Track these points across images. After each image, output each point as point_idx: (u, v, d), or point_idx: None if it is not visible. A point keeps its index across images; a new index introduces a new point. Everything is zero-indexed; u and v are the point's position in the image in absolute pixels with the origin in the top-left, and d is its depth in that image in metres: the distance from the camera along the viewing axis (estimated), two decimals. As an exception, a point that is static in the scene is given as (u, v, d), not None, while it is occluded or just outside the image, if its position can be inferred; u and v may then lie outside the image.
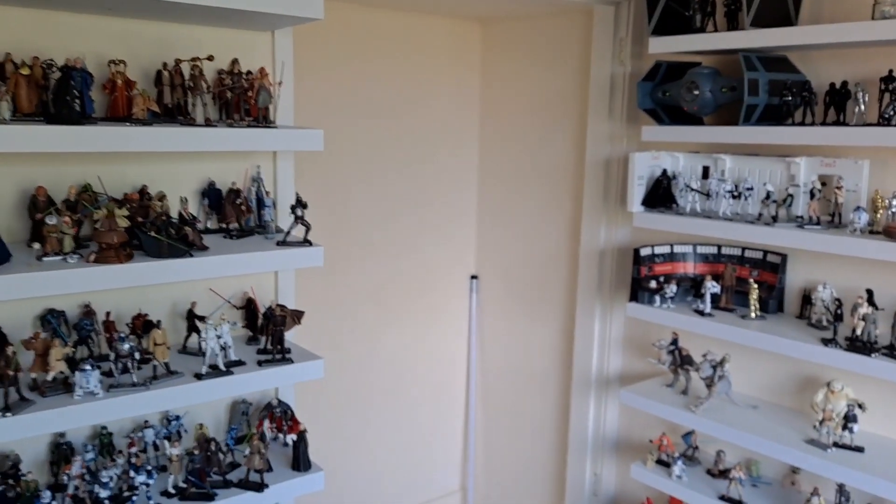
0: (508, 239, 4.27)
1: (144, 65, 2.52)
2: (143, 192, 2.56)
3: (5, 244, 2.17)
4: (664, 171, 3.17)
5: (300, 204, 2.60)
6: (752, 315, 2.90)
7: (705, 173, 3.10)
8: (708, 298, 2.99)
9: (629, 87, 3.39)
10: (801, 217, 2.77)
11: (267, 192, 2.78)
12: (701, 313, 2.99)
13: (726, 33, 2.79)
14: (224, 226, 2.73)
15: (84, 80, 2.26)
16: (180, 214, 2.56)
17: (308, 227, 2.60)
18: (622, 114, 3.44)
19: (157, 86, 2.51)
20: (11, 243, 2.24)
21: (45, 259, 2.19)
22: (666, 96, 3.05)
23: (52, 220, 2.23)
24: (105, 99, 2.40)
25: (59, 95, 2.18)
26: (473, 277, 4.47)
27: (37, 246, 2.24)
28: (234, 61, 2.56)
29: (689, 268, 3.21)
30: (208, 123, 2.45)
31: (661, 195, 3.15)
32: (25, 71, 2.22)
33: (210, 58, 2.46)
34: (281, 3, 2.36)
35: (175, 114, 2.50)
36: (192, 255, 2.34)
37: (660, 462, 3.18)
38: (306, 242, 2.59)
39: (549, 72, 3.90)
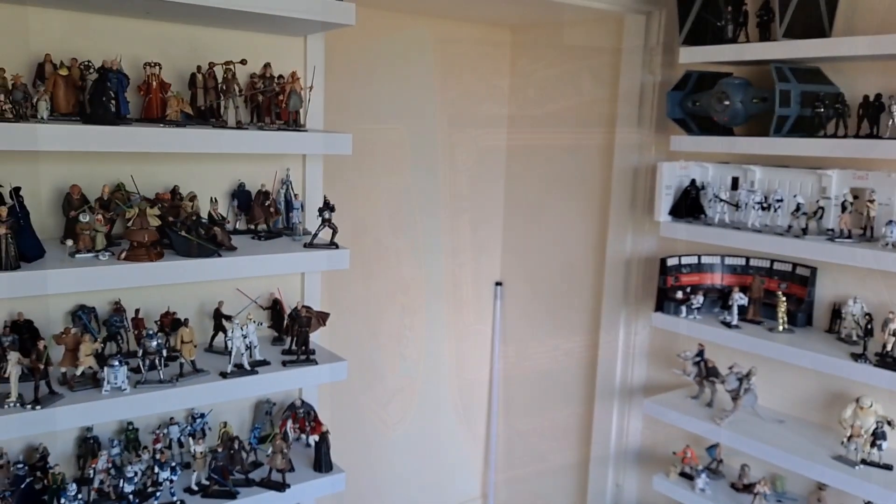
0: (534, 246, 4.27)
1: (179, 67, 2.57)
2: (174, 192, 2.60)
3: (39, 240, 2.22)
4: (692, 181, 3.15)
5: (328, 207, 2.63)
6: (780, 328, 2.86)
7: (734, 184, 3.08)
8: (735, 310, 2.96)
9: (658, 96, 3.37)
10: (832, 230, 2.73)
11: (295, 195, 2.81)
12: (728, 325, 2.97)
13: (759, 44, 2.77)
14: (252, 227, 2.76)
15: (120, 81, 2.31)
16: (210, 215, 2.59)
17: (335, 230, 2.62)
18: (651, 123, 3.43)
19: (190, 88, 2.55)
20: (45, 240, 2.29)
21: (77, 256, 2.24)
22: (696, 106, 3.04)
23: (85, 218, 2.28)
24: (140, 100, 2.44)
25: (96, 96, 2.23)
26: (498, 284, 4.47)
27: (70, 243, 2.29)
28: (267, 65, 2.59)
29: (717, 279, 3.19)
30: (240, 126, 2.48)
31: (688, 205, 3.13)
32: (64, 72, 2.27)
33: (243, 61, 2.50)
34: (315, 9, 2.39)
35: (207, 116, 2.54)
36: (220, 255, 2.37)
37: (683, 474, 3.15)
38: (333, 245, 2.61)
39: (578, 79, 3.90)
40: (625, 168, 3.54)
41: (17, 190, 2.22)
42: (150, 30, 2.52)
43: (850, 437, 2.65)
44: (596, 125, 3.80)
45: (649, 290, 3.46)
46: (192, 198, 2.57)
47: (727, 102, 2.85)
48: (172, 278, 2.33)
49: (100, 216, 2.29)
